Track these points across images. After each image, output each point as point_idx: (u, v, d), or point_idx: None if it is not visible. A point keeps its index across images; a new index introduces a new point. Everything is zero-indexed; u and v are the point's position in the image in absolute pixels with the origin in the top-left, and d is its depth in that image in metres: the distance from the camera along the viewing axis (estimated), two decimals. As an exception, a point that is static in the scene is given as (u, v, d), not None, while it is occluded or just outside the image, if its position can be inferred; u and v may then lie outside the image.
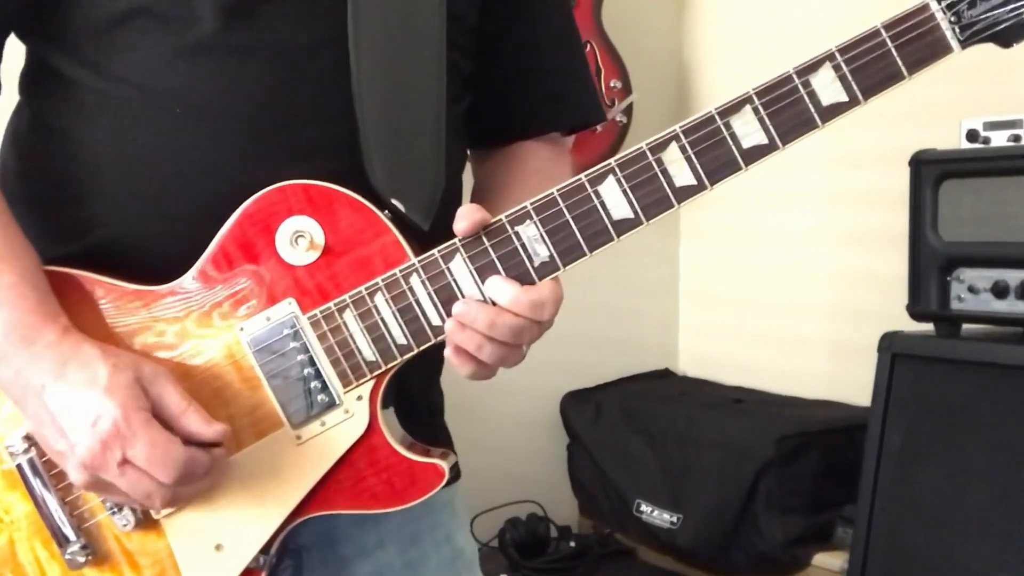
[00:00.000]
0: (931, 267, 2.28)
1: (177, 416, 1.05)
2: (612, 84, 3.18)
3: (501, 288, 1.07)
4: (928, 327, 2.32)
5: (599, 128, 3.05)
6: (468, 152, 1.36)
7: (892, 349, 2.29)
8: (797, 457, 2.67)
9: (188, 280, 1.11)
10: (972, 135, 2.27)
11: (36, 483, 1.11)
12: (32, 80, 1.22)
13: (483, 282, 1.08)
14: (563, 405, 3.30)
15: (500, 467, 3.09)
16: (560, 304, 1.10)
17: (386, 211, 1.10)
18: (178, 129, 1.11)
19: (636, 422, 3.03)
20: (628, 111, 3.19)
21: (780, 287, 3.23)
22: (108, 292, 1.12)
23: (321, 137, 1.13)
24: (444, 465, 1.12)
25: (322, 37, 1.13)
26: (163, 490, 1.03)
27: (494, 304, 1.07)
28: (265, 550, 1.12)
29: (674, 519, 2.83)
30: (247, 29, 1.11)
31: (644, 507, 2.91)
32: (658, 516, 2.87)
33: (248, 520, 1.11)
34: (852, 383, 2.80)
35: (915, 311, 2.31)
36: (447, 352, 1.10)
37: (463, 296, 1.08)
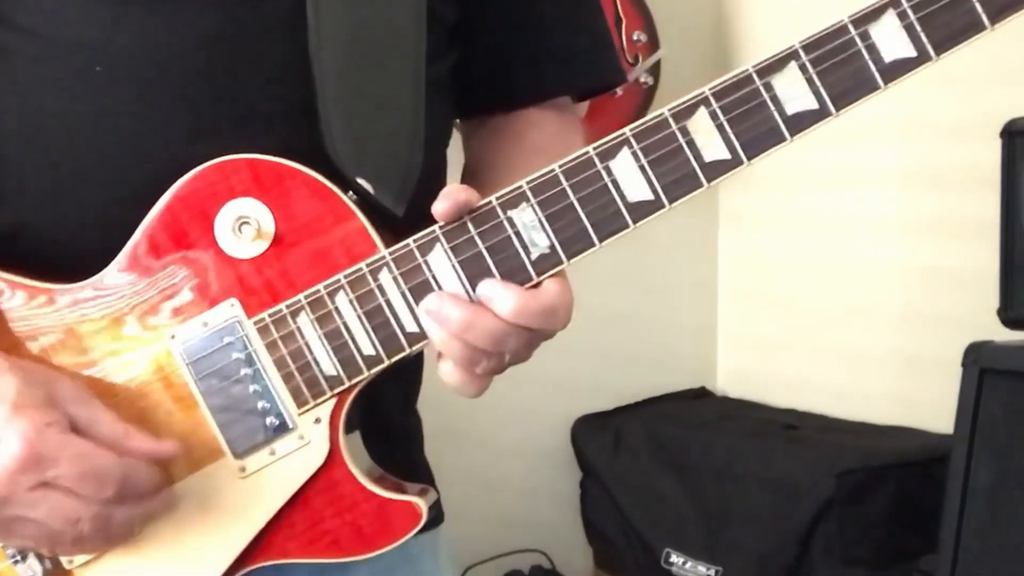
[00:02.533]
0: (1028, 262, 2.28)
1: (119, 439, 1.06)
2: (636, 37, 3.19)
3: (501, 294, 1.06)
4: None
5: (619, 91, 3.05)
6: (456, 122, 1.36)
7: (980, 363, 2.29)
8: (863, 496, 2.68)
9: (108, 277, 1.11)
10: (1078, 100, 2.27)
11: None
12: None
13: (468, 278, 1.08)
14: (575, 432, 3.31)
15: (498, 508, 3.10)
16: (571, 310, 1.10)
17: (350, 192, 1.11)
18: (97, 93, 1.12)
19: (664, 453, 3.04)
20: (655, 70, 3.20)
21: (842, 287, 3.23)
22: (11, 290, 1.12)
23: (271, 103, 1.13)
24: (422, 504, 1.12)
25: None
26: (95, 510, 1.03)
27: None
28: (202, 608, 1.12)
29: (712, 572, 2.84)
30: None
31: (675, 558, 2.92)
32: (692, 569, 2.88)
33: (181, 572, 1.12)
34: (930, 405, 2.81)
35: (1008, 316, 2.31)
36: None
37: None
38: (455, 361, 1.09)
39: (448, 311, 1.06)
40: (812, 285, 3.31)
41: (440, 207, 1.07)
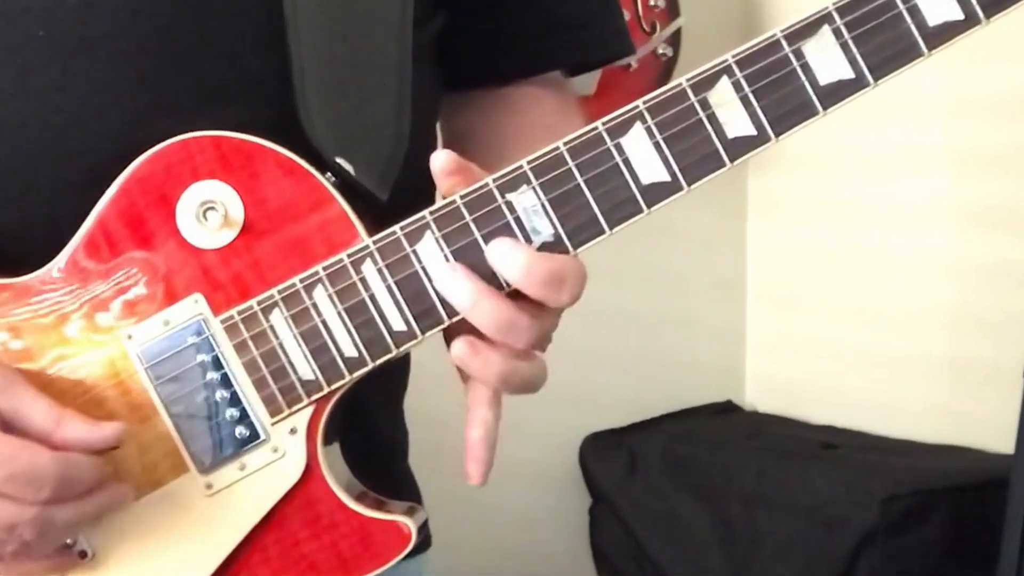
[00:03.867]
0: (1096, 257, 2.29)
1: (51, 429, 1.06)
2: (653, 3, 3.20)
3: (509, 252, 1.06)
4: (1093, 341, 2.33)
5: (634, 63, 3.07)
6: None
7: (1043, 372, 2.31)
8: (911, 524, 2.70)
9: (56, 270, 1.12)
10: None
11: None
12: None
13: None
14: (584, 452, 3.32)
15: (497, 536, 3.11)
16: (583, 286, 1.09)
17: (328, 174, 1.11)
18: (41, 62, 1.12)
19: (685, 475, 3.05)
20: (675, 40, 3.21)
21: (886, 286, 3.24)
22: (-57, 286, 1.13)
23: (240, 74, 1.14)
24: (410, 524, 1.13)
25: None
26: (33, 513, 1.03)
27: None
28: (164, 641, 1.13)
29: (738, 611, 2.85)
30: None
31: (696, 593, 2.94)
32: (716, 606, 2.89)
33: (140, 600, 1.13)
34: (987, 421, 2.82)
35: (1075, 319, 2.33)
36: None
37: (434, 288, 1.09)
38: (487, 326, 1.07)
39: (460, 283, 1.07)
40: (853, 284, 3.32)
41: (441, 158, 1.07)
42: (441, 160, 1.08)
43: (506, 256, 1.06)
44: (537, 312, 1.08)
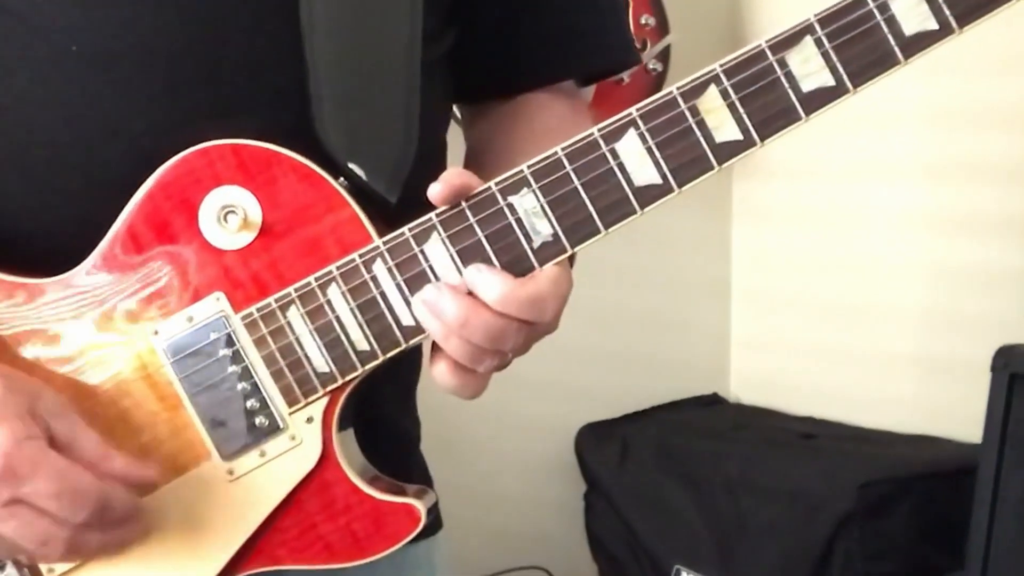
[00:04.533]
0: (1060, 259, 2.29)
1: (99, 459, 1.06)
2: (644, 21, 3.20)
3: (486, 281, 1.07)
4: (1057, 337, 2.33)
5: (626, 77, 3.07)
6: (455, 108, 1.36)
7: (1010, 368, 2.30)
8: (885, 510, 2.69)
9: (87, 270, 1.12)
10: (1112, 85, 2.28)
11: None
12: None
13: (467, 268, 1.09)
14: (579, 442, 3.32)
15: (496, 522, 3.11)
16: (566, 299, 1.11)
17: (341, 179, 1.12)
18: (73, 75, 1.12)
19: (674, 464, 3.05)
20: (665, 55, 3.21)
21: (862, 286, 3.24)
22: (-18, 284, 1.13)
23: (259, 86, 1.14)
24: (420, 506, 1.13)
25: None
26: (67, 533, 1.04)
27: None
28: (189, 618, 1.13)
29: (724, 590, 2.85)
30: None
31: (685, 574, 2.93)
32: (703, 586, 2.89)
33: (166, 580, 1.13)
34: (957, 413, 2.82)
35: (1039, 317, 2.32)
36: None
37: None
38: (456, 358, 1.09)
39: (445, 303, 1.07)
40: (831, 284, 3.32)
41: (436, 190, 1.07)
42: (435, 193, 1.08)
43: (486, 284, 1.07)
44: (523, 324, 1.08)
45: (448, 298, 1.07)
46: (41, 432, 1.05)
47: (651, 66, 3.19)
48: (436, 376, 1.11)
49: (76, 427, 1.07)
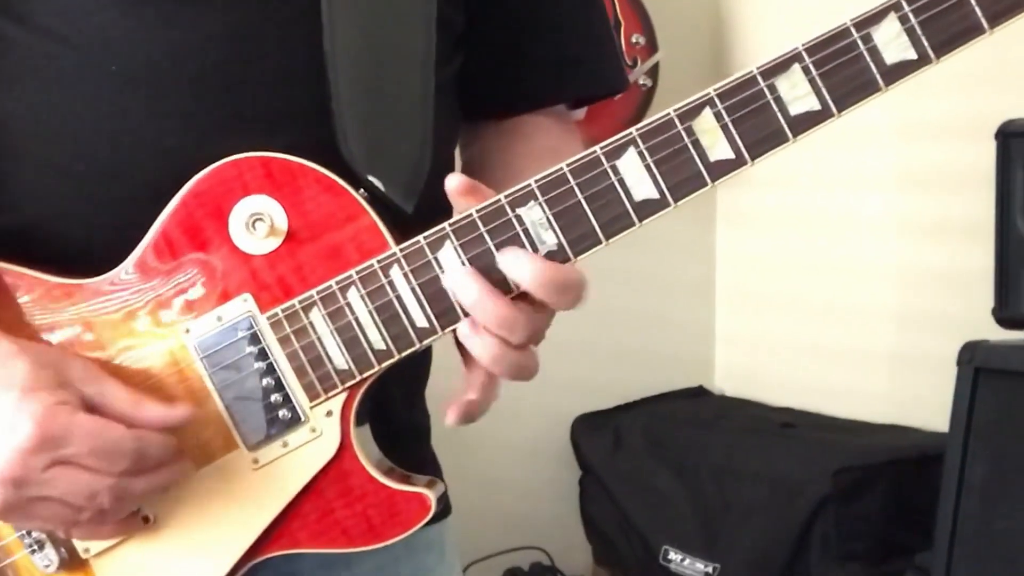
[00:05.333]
0: (1022, 262, 2.29)
1: (130, 411, 1.07)
2: (634, 40, 3.20)
3: (520, 261, 1.07)
4: (1018, 335, 2.33)
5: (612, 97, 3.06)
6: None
7: (975, 363, 2.31)
8: (859, 494, 2.69)
9: (124, 272, 1.13)
10: (1071, 102, 2.28)
11: (-61, 516, 1.13)
12: None
13: None
14: (574, 431, 3.32)
15: (497, 506, 3.10)
16: (584, 292, 1.10)
17: (361, 190, 1.12)
18: (113, 92, 1.13)
19: (663, 451, 3.05)
20: (653, 72, 3.21)
21: (838, 286, 3.24)
22: (29, 286, 1.14)
23: (286, 104, 1.15)
24: (431, 495, 1.13)
25: None
26: (111, 483, 1.04)
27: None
28: (215, 596, 1.14)
29: (709, 569, 2.85)
30: None
31: (673, 555, 2.93)
32: (690, 566, 2.89)
33: (195, 560, 1.13)
34: (926, 404, 2.83)
35: (1003, 316, 2.33)
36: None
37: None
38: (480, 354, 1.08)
39: (461, 283, 1.07)
40: (809, 285, 3.32)
41: (454, 181, 1.08)
42: (454, 182, 1.08)
43: (518, 264, 1.07)
44: (533, 313, 1.08)
45: (462, 277, 1.07)
46: (72, 398, 1.05)
47: (641, 82, 3.19)
48: (460, 332, 1.09)
49: (105, 387, 1.08)
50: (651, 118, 1.07)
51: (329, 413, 1.12)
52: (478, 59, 1.30)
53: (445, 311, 1.09)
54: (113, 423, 1.05)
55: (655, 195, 1.07)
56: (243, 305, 1.11)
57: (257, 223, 1.11)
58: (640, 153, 1.07)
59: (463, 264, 1.08)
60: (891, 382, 3.11)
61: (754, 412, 3.33)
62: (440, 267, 1.09)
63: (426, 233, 1.10)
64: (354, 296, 1.10)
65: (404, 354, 1.11)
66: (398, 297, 1.10)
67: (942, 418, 2.37)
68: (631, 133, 1.07)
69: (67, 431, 1.03)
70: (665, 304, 3.52)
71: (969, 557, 2.29)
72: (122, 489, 1.05)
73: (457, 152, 1.37)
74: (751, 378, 3.51)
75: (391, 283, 1.10)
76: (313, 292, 1.11)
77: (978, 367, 2.30)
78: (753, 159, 1.06)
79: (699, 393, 3.57)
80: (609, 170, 1.07)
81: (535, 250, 1.08)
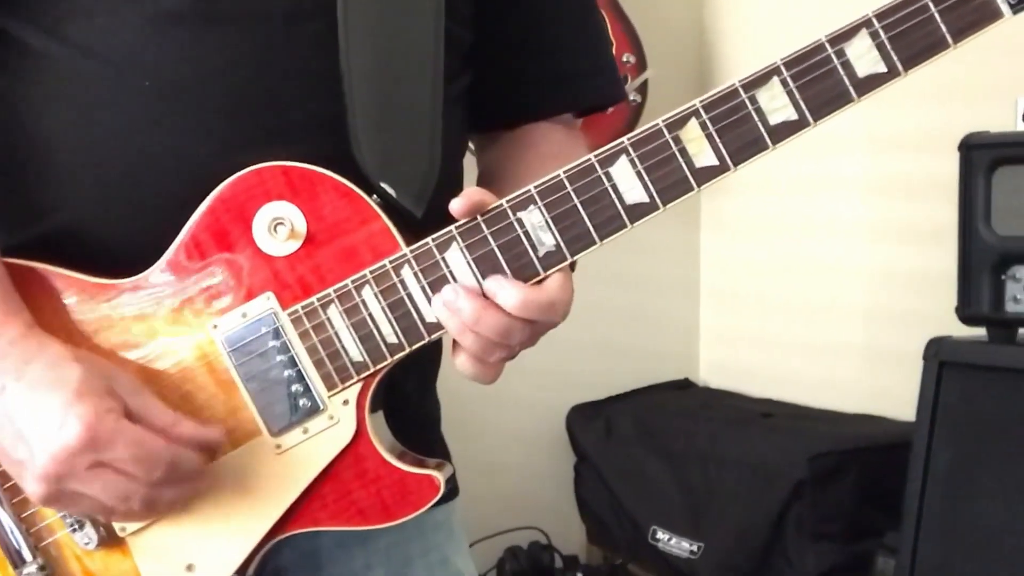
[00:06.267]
0: (983, 264, 2.28)
1: (169, 426, 1.07)
2: (625, 59, 3.20)
3: (506, 289, 1.08)
4: (980, 332, 2.33)
5: (610, 108, 3.06)
6: (470, 138, 1.37)
7: (939, 356, 2.30)
8: (832, 478, 2.69)
9: (156, 273, 1.13)
10: (1030, 116, 2.28)
11: (-12, 498, 1.13)
12: None
13: (482, 274, 1.09)
14: (569, 420, 3.32)
15: (498, 489, 3.10)
16: (571, 300, 1.12)
17: (375, 196, 1.12)
18: (146, 106, 1.13)
19: (652, 439, 3.05)
20: (643, 89, 3.21)
21: (813, 286, 3.24)
22: (69, 286, 1.14)
23: (305, 117, 1.15)
24: (439, 477, 1.13)
25: (307, 5, 1.15)
26: (144, 490, 1.05)
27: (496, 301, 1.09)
28: (241, 570, 1.14)
29: (694, 548, 2.85)
30: None
31: (660, 534, 2.93)
32: (676, 544, 2.89)
33: (223, 538, 1.13)
34: (894, 395, 2.82)
35: (965, 314, 2.32)
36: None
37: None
38: (469, 351, 1.10)
39: (461, 303, 1.08)
40: (786, 285, 3.32)
41: (457, 204, 1.08)
42: (458, 206, 1.09)
43: (503, 291, 1.08)
44: (523, 325, 1.10)
45: (464, 299, 1.08)
46: (118, 406, 1.06)
47: (632, 97, 3.19)
48: (458, 366, 1.12)
49: (148, 401, 1.08)
50: (641, 128, 1.07)
51: (346, 402, 1.12)
52: (488, 75, 1.30)
53: None
54: (155, 435, 1.06)
55: (645, 199, 1.08)
56: (266, 303, 1.12)
57: (278, 227, 1.11)
58: (631, 160, 1.07)
59: (470, 265, 1.09)
60: (862, 375, 3.11)
61: (736, 403, 3.32)
62: (447, 266, 1.10)
63: (434, 235, 1.10)
64: (368, 294, 1.11)
65: (414, 347, 1.12)
66: (409, 294, 1.10)
67: (909, 408, 2.37)
68: (623, 142, 1.08)
69: (112, 436, 1.04)
70: (654, 303, 3.51)
71: (934, 536, 2.28)
72: (153, 496, 1.06)
73: (473, 159, 1.37)
74: (733, 371, 3.51)
75: (402, 282, 1.10)
76: (330, 290, 1.11)
77: (942, 361, 2.30)
78: (736, 165, 1.06)
79: (685, 385, 3.56)
80: (603, 176, 1.08)
81: (535, 250, 1.09)
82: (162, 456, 1.05)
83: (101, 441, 1.03)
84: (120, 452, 1.03)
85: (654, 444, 3.03)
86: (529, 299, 1.08)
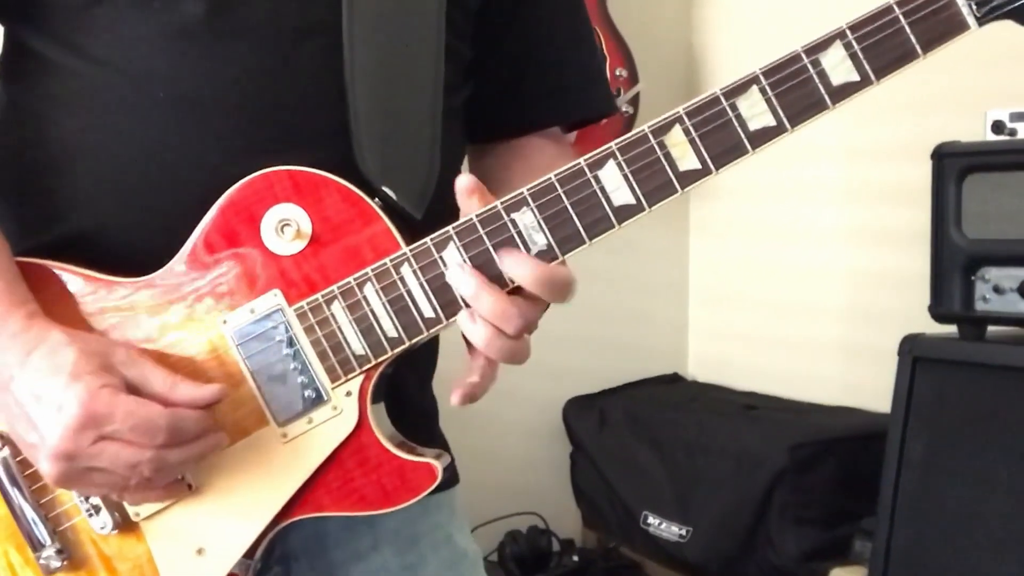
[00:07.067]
0: (954, 266, 2.28)
1: (166, 391, 1.07)
2: (618, 73, 3.19)
3: (516, 262, 1.07)
4: (951, 329, 2.32)
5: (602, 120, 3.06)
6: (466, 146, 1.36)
7: (913, 352, 2.30)
8: (812, 466, 2.68)
9: (169, 271, 1.12)
10: (998, 127, 2.27)
11: (9, 485, 1.13)
12: (8, 63, 1.23)
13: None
14: (566, 412, 3.31)
15: (499, 477, 3.10)
16: (574, 289, 1.10)
17: (376, 199, 1.11)
18: (160, 115, 1.13)
19: (643, 429, 3.04)
20: (635, 101, 3.20)
21: (795, 286, 3.24)
22: (84, 284, 1.13)
23: (311, 126, 1.14)
24: (437, 465, 1.12)
25: (314, 21, 1.14)
26: (150, 455, 1.04)
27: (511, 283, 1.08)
28: (250, 554, 1.13)
29: (683, 532, 2.84)
30: (236, 10, 1.13)
31: (651, 519, 2.92)
32: (666, 529, 2.88)
33: (232, 522, 1.12)
34: (871, 388, 2.81)
35: (937, 312, 2.31)
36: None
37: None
38: (477, 336, 1.08)
39: (458, 280, 1.07)
40: (770, 285, 3.31)
41: (463, 181, 1.08)
42: (463, 182, 1.08)
43: (517, 264, 1.07)
44: (526, 305, 1.08)
45: (459, 273, 1.07)
46: (115, 380, 1.05)
47: (624, 109, 3.18)
48: (460, 321, 1.09)
49: (145, 370, 1.07)
50: (628, 134, 1.06)
51: (348, 393, 1.12)
52: (485, 89, 1.30)
53: (449, 303, 1.09)
54: (151, 402, 1.05)
55: (632, 200, 1.07)
56: (273, 299, 1.11)
57: (285, 228, 1.10)
58: (619, 164, 1.06)
59: (464, 262, 1.08)
60: (841, 369, 3.10)
61: (722, 395, 3.32)
62: (445, 265, 1.09)
63: (432, 235, 1.09)
64: (370, 291, 1.10)
65: (414, 341, 1.11)
66: (408, 291, 1.10)
67: (885, 401, 2.36)
68: (611, 147, 1.07)
69: (110, 410, 1.03)
70: (645, 301, 3.51)
71: (907, 521, 2.28)
72: (160, 460, 1.05)
73: (466, 168, 1.36)
74: (719, 366, 3.50)
75: (402, 279, 1.09)
76: (334, 288, 1.10)
77: (916, 357, 2.29)
78: (717, 169, 1.06)
79: (674, 379, 3.56)
80: (592, 179, 1.07)
81: (527, 250, 1.08)
82: (162, 420, 1.04)
83: (99, 416, 1.02)
84: (119, 424, 1.03)
85: (645, 434, 3.02)
86: (541, 272, 1.06)
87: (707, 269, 3.56)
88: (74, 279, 1.14)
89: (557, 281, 1.07)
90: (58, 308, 1.12)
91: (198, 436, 1.08)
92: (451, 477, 1.30)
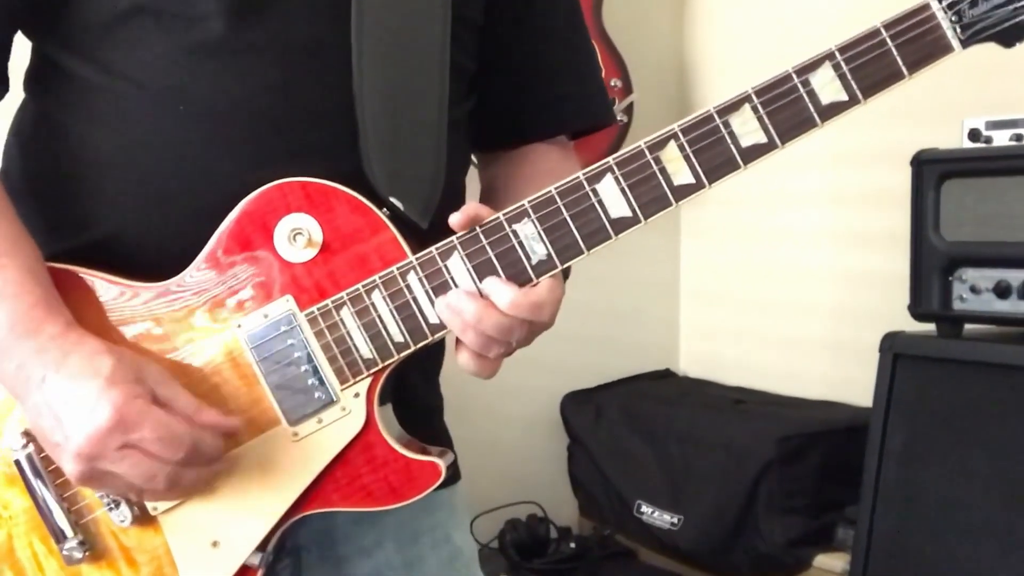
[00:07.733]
0: (933, 267, 2.28)
1: (193, 413, 1.06)
2: (613, 83, 3.19)
3: (499, 290, 1.07)
4: (930, 327, 2.32)
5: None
6: (473, 156, 1.36)
7: (894, 349, 2.30)
8: (798, 458, 2.67)
9: (187, 277, 1.12)
10: (974, 135, 2.27)
11: (34, 479, 1.12)
12: (38, 78, 1.23)
13: (480, 280, 1.08)
14: (563, 406, 3.30)
15: (500, 468, 3.09)
16: (560, 304, 1.11)
17: (384, 209, 1.11)
18: (180, 128, 1.12)
19: (637, 423, 3.03)
20: (628, 110, 3.20)
21: (782, 287, 3.23)
22: (107, 288, 1.13)
23: (322, 138, 1.14)
24: (441, 463, 1.12)
25: (325, 38, 1.14)
26: (168, 470, 1.04)
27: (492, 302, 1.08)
28: (262, 547, 1.12)
29: (675, 520, 2.83)
30: (252, 29, 1.12)
31: (645, 508, 2.92)
32: (659, 517, 2.88)
33: (245, 517, 1.12)
34: (854, 384, 2.81)
35: (917, 311, 2.31)
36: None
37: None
38: (471, 347, 1.09)
39: (463, 304, 1.07)
40: (758, 285, 3.31)
41: (456, 218, 1.08)
42: (456, 220, 1.08)
43: (499, 291, 1.07)
44: (520, 324, 1.09)
45: (466, 300, 1.07)
46: (146, 393, 1.05)
47: (619, 118, 3.18)
48: (460, 363, 1.11)
49: (174, 390, 1.07)
50: (625, 149, 1.06)
51: (357, 395, 1.11)
52: (489, 101, 1.30)
53: None
54: (178, 418, 1.05)
55: (628, 213, 1.07)
56: (285, 304, 1.11)
57: (297, 236, 1.10)
58: (616, 178, 1.07)
59: (470, 272, 1.08)
60: (825, 365, 3.10)
61: (711, 391, 3.30)
62: (449, 273, 1.09)
63: (438, 245, 1.09)
64: (377, 297, 1.10)
65: (419, 345, 1.11)
66: (414, 298, 1.10)
67: (867, 395, 2.36)
68: (608, 162, 1.07)
69: (139, 419, 1.02)
70: (639, 302, 3.50)
71: (889, 510, 2.28)
72: (176, 475, 1.05)
73: (476, 174, 1.36)
74: (710, 363, 3.50)
75: (408, 286, 1.09)
76: (343, 294, 1.10)
77: (896, 353, 2.29)
78: (710, 183, 1.06)
79: (666, 375, 3.54)
80: (590, 192, 1.07)
81: (528, 259, 1.08)
82: (185, 439, 1.04)
83: (129, 423, 1.02)
84: (147, 433, 1.02)
85: (639, 427, 3.02)
86: (518, 300, 1.07)
87: (698, 270, 3.55)
88: (97, 282, 1.13)
89: (539, 303, 1.08)
90: (83, 310, 1.12)
91: (213, 460, 1.08)
92: (452, 475, 1.30)
